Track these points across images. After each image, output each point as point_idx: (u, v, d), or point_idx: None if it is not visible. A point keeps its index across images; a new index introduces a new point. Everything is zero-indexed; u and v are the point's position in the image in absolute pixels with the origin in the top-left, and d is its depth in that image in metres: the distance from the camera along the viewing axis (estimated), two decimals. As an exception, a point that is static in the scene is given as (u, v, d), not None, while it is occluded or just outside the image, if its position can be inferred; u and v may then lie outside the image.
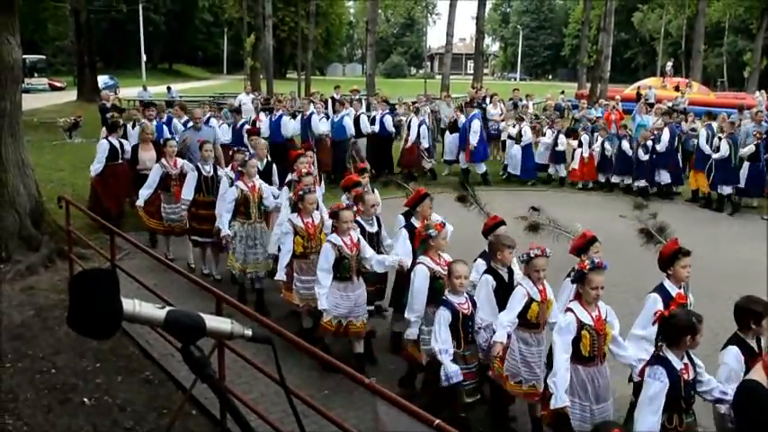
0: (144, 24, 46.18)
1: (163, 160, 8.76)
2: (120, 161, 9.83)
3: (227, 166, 9.29)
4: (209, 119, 12.09)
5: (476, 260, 5.51)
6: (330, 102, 16.63)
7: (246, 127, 12.98)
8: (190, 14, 64.10)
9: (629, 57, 70.88)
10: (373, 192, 7.16)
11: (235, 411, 1.57)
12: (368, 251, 5.87)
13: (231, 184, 7.41)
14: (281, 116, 13.71)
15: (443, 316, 4.73)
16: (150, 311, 1.42)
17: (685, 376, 3.75)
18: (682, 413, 3.81)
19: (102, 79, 34.84)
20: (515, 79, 73.99)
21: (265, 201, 7.42)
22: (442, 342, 4.67)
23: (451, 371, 4.58)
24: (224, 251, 7.91)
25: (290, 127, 13.70)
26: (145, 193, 8.55)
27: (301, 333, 5.85)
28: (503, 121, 16.99)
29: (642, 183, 13.76)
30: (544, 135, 15.11)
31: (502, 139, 16.86)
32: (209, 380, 1.48)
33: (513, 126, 15.44)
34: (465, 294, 4.89)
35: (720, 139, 12.70)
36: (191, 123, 11.61)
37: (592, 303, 4.34)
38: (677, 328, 3.73)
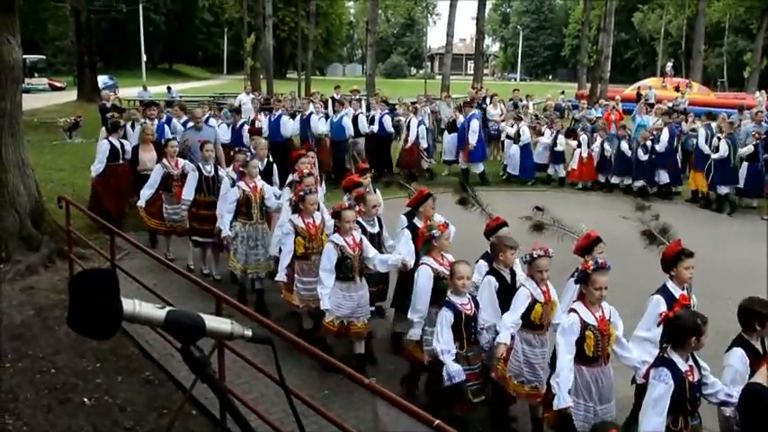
0: (144, 24, 46.19)
1: (164, 160, 8.75)
2: (120, 161, 9.83)
3: (227, 166, 9.30)
4: (208, 119, 12.09)
5: (478, 261, 5.49)
6: (330, 102, 16.64)
7: (246, 127, 12.99)
8: (190, 14, 64.12)
9: (629, 57, 70.89)
10: (375, 192, 7.14)
11: (235, 411, 1.57)
12: (371, 251, 5.85)
13: (233, 185, 7.39)
14: (280, 116, 13.71)
15: (446, 317, 4.71)
16: (150, 311, 1.41)
17: (690, 378, 3.73)
18: (687, 415, 3.79)
19: (102, 79, 34.85)
20: (515, 79, 74.02)
21: (267, 201, 7.40)
22: (443, 343, 4.65)
23: (454, 370, 4.57)
24: (224, 251, 7.92)
25: (290, 127, 13.70)
26: (146, 193, 8.54)
27: (301, 334, 5.84)
28: (503, 121, 17.01)
29: (641, 183, 13.78)
30: (543, 135, 15.13)
31: (501, 139, 16.88)
32: (209, 380, 1.48)
33: (512, 126, 15.46)
34: (468, 295, 4.87)
35: (719, 139, 12.71)
36: (190, 123, 11.62)
37: (595, 304, 4.32)
38: (682, 330, 3.70)
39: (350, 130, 14.07)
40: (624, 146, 14.00)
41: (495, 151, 17.77)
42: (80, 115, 20.65)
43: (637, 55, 70.82)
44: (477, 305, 4.94)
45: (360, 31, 79.94)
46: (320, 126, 14.06)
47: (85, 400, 5.29)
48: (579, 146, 14.70)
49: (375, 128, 14.70)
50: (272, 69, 34.69)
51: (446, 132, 16.14)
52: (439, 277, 5.18)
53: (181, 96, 29.02)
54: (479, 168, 14.77)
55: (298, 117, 14.42)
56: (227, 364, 4.64)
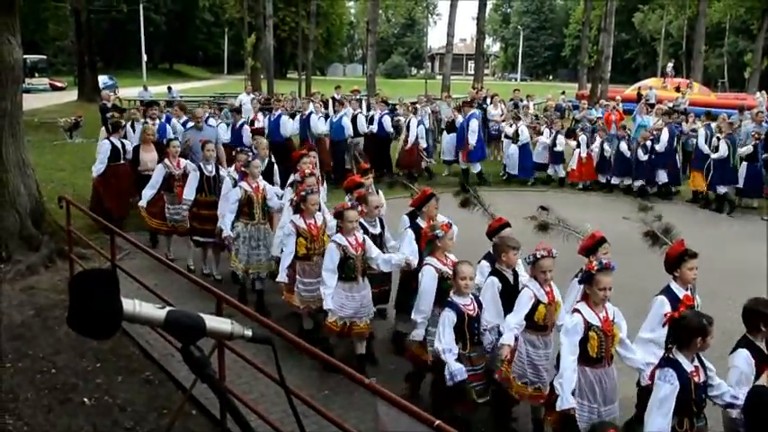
0: (144, 24, 46.19)
1: (166, 160, 8.74)
2: (121, 162, 9.83)
3: (227, 165, 9.30)
4: (207, 118, 12.09)
5: (480, 261, 5.48)
6: (331, 102, 16.65)
7: (246, 126, 12.99)
8: (190, 14, 64.13)
9: (629, 57, 70.86)
10: (377, 193, 7.12)
11: (235, 411, 1.57)
12: (374, 251, 5.83)
13: (234, 185, 7.38)
14: (279, 116, 13.72)
15: (448, 317, 4.70)
16: (150, 311, 1.41)
17: (696, 379, 3.70)
18: (692, 417, 3.76)
19: (101, 79, 34.81)
20: (516, 80, 74.00)
21: (269, 202, 7.38)
22: (445, 342, 4.65)
23: (455, 369, 4.56)
24: (225, 251, 7.91)
25: (289, 127, 13.70)
26: (148, 193, 8.54)
27: (302, 334, 5.84)
28: (503, 121, 17.01)
29: (641, 183, 13.80)
30: (542, 134, 15.13)
31: (502, 139, 16.89)
32: (209, 380, 1.48)
33: (510, 125, 15.47)
34: (470, 296, 4.86)
35: (719, 139, 12.74)
36: (190, 123, 11.62)
37: (599, 304, 4.30)
38: (688, 330, 3.69)
39: (349, 130, 14.07)
40: (623, 146, 14.01)
41: (495, 152, 17.78)
42: (80, 115, 20.67)
43: (637, 55, 70.80)
44: (480, 306, 4.92)
45: (360, 32, 79.94)
46: (319, 126, 14.08)
47: (86, 400, 5.30)
48: (578, 146, 14.71)
49: (374, 128, 14.70)
50: (273, 69, 34.69)
51: (445, 133, 16.16)
52: (443, 278, 5.17)
53: (181, 96, 29.02)
54: (477, 168, 14.78)
55: (297, 117, 14.42)
56: (227, 364, 4.64)
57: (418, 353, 5.27)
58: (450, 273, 5.05)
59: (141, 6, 44.28)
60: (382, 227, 6.51)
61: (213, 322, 1.51)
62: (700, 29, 32.83)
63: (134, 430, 4.95)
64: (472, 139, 14.39)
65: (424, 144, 15.11)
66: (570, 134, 15.93)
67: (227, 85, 47.27)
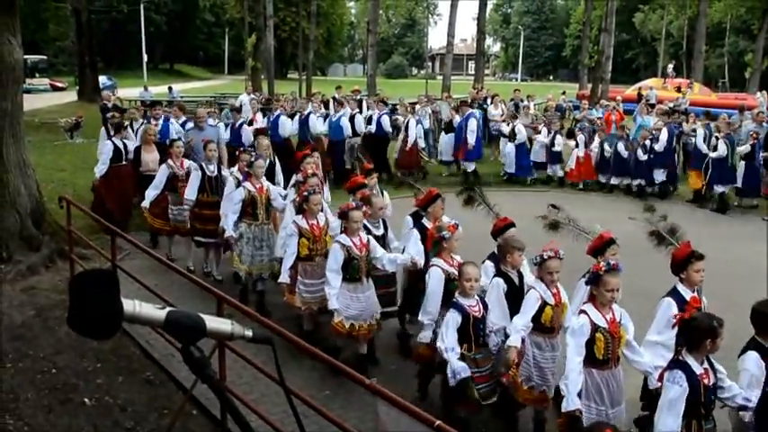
0: (145, 24, 46.19)
1: (169, 161, 8.74)
2: (123, 162, 9.83)
3: (230, 166, 9.30)
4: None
5: (484, 262, 5.45)
6: (332, 102, 16.65)
7: (245, 126, 13.00)
8: (191, 14, 64.15)
9: (630, 57, 70.83)
10: (382, 194, 7.08)
11: (235, 412, 1.57)
12: (378, 250, 5.81)
13: (238, 185, 7.37)
14: (278, 116, 13.74)
15: (453, 318, 4.69)
16: (150, 312, 1.42)
17: (705, 381, 3.68)
18: (701, 419, 3.73)
19: (101, 80, 34.78)
20: (516, 80, 74.02)
21: (273, 202, 7.36)
22: (448, 342, 4.63)
23: (458, 367, 4.54)
24: (226, 252, 7.90)
25: (288, 127, 13.71)
26: (151, 193, 8.53)
27: (302, 335, 5.83)
28: (503, 121, 17.02)
29: (640, 182, 13.83)
30: (540, 133, 15.15)
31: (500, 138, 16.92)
32: (209, 380, 1.48)
33: (507, 124, 15.49)
34: (476, 297, 4.84)
35: (717, 138, 12.76)
36: (189, 124, 11.62)
37: (606, 306, 4.28)
38: (698, 332, 3.66)
39: (348, 130, 14.08)
40: (621, 147, 14.03)
41: (495, 152, 17.78)
42: (81, 115, 20.68)
43: (638, 55, 70.78)
44: (485, 307, 4.89)
45: (361, 32, 79.98)
46: (318, 126, 14.11)
47: (86, 400, 5.30)
48: (577, 146, 14.73)
49: (373, 128, 14.70)
50: (274, 69, 34.69)
51: (443, 133, 16.17)
52: (450, 279, 5.15)
53: (182, 96, 29.03)
54: (471, 167, 14.77)
55: (296, 117, 14.43)
56: (227, 364, 4.64)
57: (426, 354, 5.24)
58: (456, 274, 5.03)
59: (142, 6, 44.32)
60: (385, 228, 6.46)
61: (213, 323, 1.51)
62: (700, 29, 32.81)
63: (134, 430, 4.95)
64: (471, 138, 14.39)
65: (422, 144, 15.12)
66: (571, 134, 15.94)
67: (228, 85, 47.29)
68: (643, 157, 13.62)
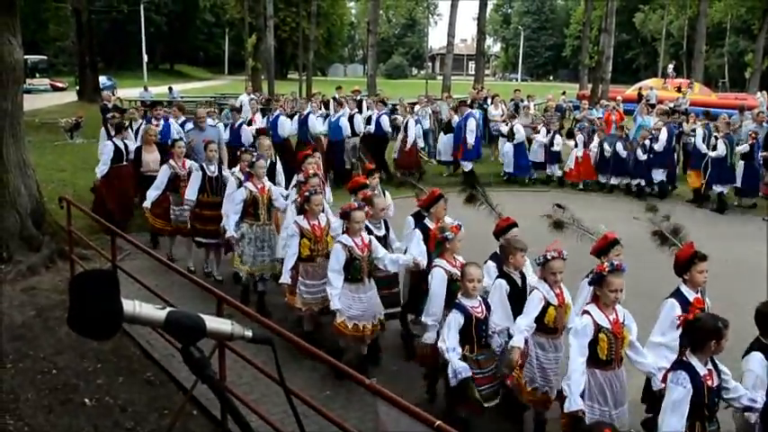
0: (145, 25, 46.17)
1: (171, 161, 8.73)
2: (124, 163, 9.83)
3: (230, 166, 9.30)
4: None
5: (486, 262, 5.43)
6: (332, 102, 16.66)
7: (244, 126, 13.00)
8: (191, 15, 64.13)
9: (630, 57, 70.82)
10: (384, 194, 7.07)
11: (235, 412, 1.57)
12: (380, 251, 5.80)
13: (240, 185, 7.36)
14: (278, 116, 13.75)
15: (455, 319, 4.68)
16: (150, 312, 1.41)
17: (709, 383, 3.66)
18: (704, 421, 3.72)
19: (101, 80, 34.82)
20: (517, 80, 74.01)
21: (275, 202, 7.36)
22: (449, 342, 4.63)
23: (459, 366, 4.53)
24: (227, 252, 7.90)
25: (287, 127, 13.73)
26: (153, 194, 8.53)
27: (302, 336, 5.82)
28: (503, 121, 17.02)
29: (640, 182, 13.83)
30: (539, 133, 15.15)
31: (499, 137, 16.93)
32: (209, 381, 1.48)
33: (507, 124, 15.49)
34: (478, 298, 4.83)
35: (716, 138, 12.78)
36: (189, 124, 11.62)
37: (610, 306, 4.27)
38: (702, 333, 3.65)
39: (347, 130, 14.09)
40: (619, 147, 14.04)
41: (495, 152, 17.78)
42: (81, 116, 20.69)
43: (638, 55, 70.76)
44: (488, 308, 4.88)
45: (361, 32, 79.91)
46: (317, 126, 14.13)
47: (86, 400, 5.30)
48: (576, 146, 14.73)
49: (372, 128, 14.71)
50: (274, 70, 34.70)
51: (442, 133, 16.18)
52: (453, 279, 5.14)
53: (182, 97, 29.03)
54: (468, 167, 14.79)
55: (296, 117, 14.43)
56: (227, 364, 4.64)
57: (429, 355, 5.21)
58: (459, 274, 5.02)
59: (142, 7, 44.31)
60: (387, 229, 6.44)
61: (213, 323, 1.51)
62: (700, 29, 32.81)
63: (135, 431, 4.95)
64: (471, 138, 14.40)
65: (421, 144, 15.12)
66: (570, 135, 15.95)
67: (228, 85, 47.32)
68: (642, 156, 13.64)
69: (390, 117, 15.46)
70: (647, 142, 13.64)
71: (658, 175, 13.66)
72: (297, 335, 4.48)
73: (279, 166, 8.78)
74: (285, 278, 6.19)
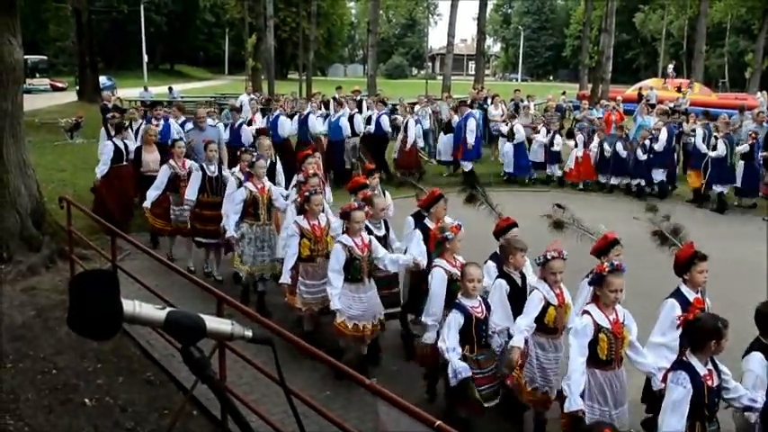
0: (145, 25, 46.16)
1: (171, 161, 8.73)
2: (124, 163, 9.83)
3: (230, 166, 9.29)
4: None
5: (486, 262, 5.43)
6: (332, 102, 16.66)
7: (244, 126, 13.01)
8: (191, 15, 64.14)
9: (630, 57, 70.81)
10: (384, 194, 7.07)
11: (235, 412, 1.57)
12: (380, 251, 5.80)
13: (240, 185, 7.36)
14: (278, 116, 13.75)
15: (455, 319, 4.68)
16: (150, 312, 1.41)
17: (709, 383, 3.66)
18: (704, 421, 3.72)
19: (101, 80, 34.79)
20: (517, 80, 74.01)
21: (276, 202, 7.36)
22: (449, 342, 4.62)
23: (459, 366, 4.53)
24: (227, 252, 7.89)
25: (287, 127, 13.73)
26: (153, 194, 8.53)
27: (302, 336, 5.82)
28: (503, 121, 17.03)
29: (640, 182, 13.84)
30: (539, 133, 15.16)
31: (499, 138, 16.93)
32: (209, 381, 1.48)
33: (506, 124, 15.49)
34: (478, 298, 4.83)
35: (716, 138, 12.78)
36: (188, 124, 11.61)
37: (610, 306, 4.27)
38: (702, 333, 3.65)
39: (347, 130, 14.09)
40: (619, 147, 14.04)
41: (495, 152, 17.78)
42: (81, 116, 20.69)
43: (638, 55, 70.76)
44: (488, 308, 4.88)
45: (361, 32, 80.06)
46: (317, 126, 14.13)
47: (86, 400, 5.30)
48: (576, 146, 14.73)
49: (372, 128, 14.71)
50: (274, 70, 34.70)
51: (442, 134, 16.18)
52: (453, 279, 5.14)
53: (182, 97, 29.02)
54: (468, 167, 14.80)
55: (296, 117, 14.44)
56: (227, 364, 4.64)
57: (429, 355, 5.21)
58: (459, 275, 5.02)
59: (142, 7, 44.32)
60: (387, 229, 6.44)
61: (213, 323, 1.51)
62: (700, 29, 32.79)
63: (135, 431, 4.95)
64: (470, 138, 14.41)
65: (421, 144, 15.12)
66: (570, 135, 15.95)
67: (228, 85, 47.32)
68: (642, 156, 13.65)
69: (390, 117, 15.46)
70: (647, 142, 13.65)
71: (658, 175, 13.68)
72: (297, 335, 4.48)
73: (279, 166, 8.77)
74: (285, 278, 6.19)
